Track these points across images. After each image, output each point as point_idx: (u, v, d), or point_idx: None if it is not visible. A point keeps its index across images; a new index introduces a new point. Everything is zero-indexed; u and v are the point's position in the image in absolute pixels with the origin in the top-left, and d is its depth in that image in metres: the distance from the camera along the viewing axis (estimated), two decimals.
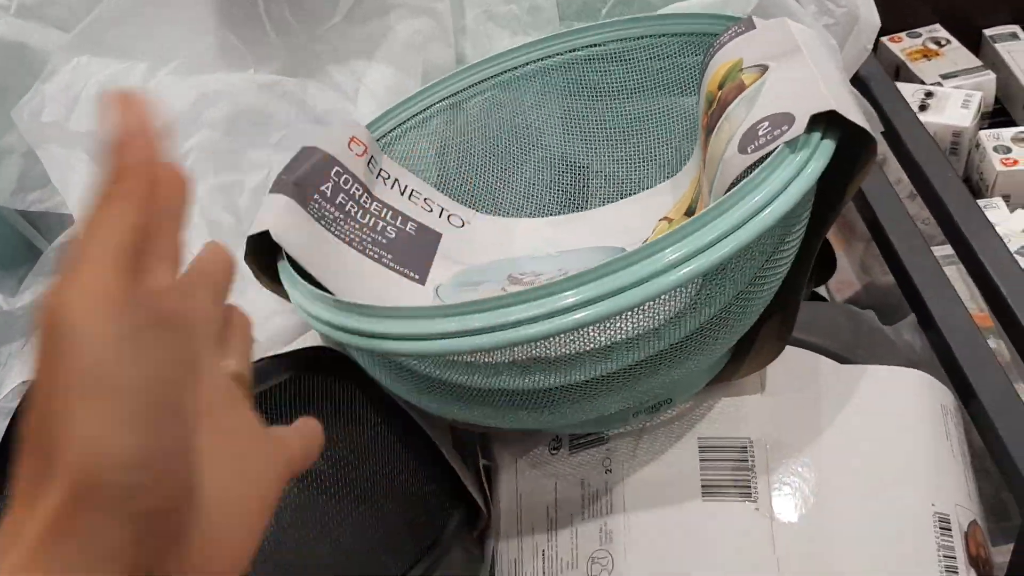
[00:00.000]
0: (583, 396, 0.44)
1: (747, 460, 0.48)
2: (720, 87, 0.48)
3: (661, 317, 0.41)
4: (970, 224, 0.61)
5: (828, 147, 0.41)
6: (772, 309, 0.47)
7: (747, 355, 0.49)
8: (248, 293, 0.50)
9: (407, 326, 0.38)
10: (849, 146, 0.42)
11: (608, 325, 0.40)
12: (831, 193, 0.45)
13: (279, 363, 0.49)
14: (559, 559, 0.50)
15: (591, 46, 0.60)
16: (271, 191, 0.48)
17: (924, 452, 0.49)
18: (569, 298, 0.36)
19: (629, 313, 0.39)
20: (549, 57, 0.60)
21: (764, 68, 0.45)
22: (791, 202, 0.38)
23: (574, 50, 0.60)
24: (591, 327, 0.39)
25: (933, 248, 0.62)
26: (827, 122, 0.41)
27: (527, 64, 0.60)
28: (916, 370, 0.51)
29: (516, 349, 0.40)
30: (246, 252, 0.47)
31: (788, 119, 0.41)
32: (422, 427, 0.53)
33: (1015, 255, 0.88)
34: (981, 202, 0.97)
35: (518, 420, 0.46)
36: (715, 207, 0.37)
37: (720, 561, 0.46)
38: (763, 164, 0.39)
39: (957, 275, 0.67)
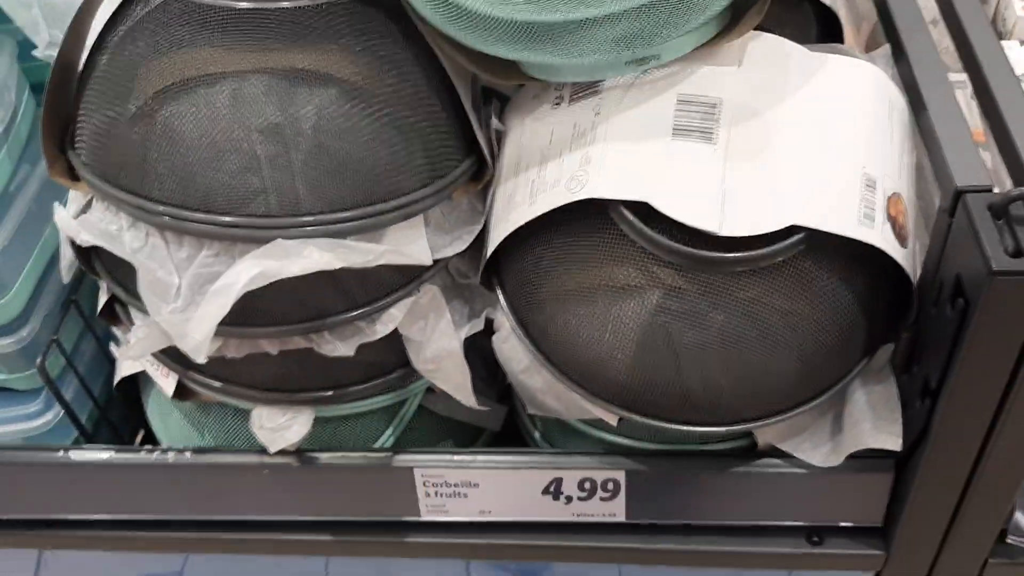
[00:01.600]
0: (578, 31, 0.52)
1: (714, 114, 0.57)
2: None
3: None
4: (984, 48, 0.65)
5: None
6: None
7: (730, 28, 0.57)
8: None
9: None
10: None
11: None
12: None
13: None
14: (545, 181, 0.59)
15: None
16: None
17: (865, 127, 0.57)
18: None
19: None
20: None
21: None
22: None
23: None
24: None
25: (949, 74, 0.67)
26: None
27: None
28: (874, 66, 0.59)
29: None
30: None
31: None
32: (452, 82, 0.62)
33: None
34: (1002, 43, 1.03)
35: (532, 51, 0.54)
36: None
37: (675, 183, 0.55)
38: None
39: (963, 100, 0.73)
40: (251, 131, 0.57)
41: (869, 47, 0.85)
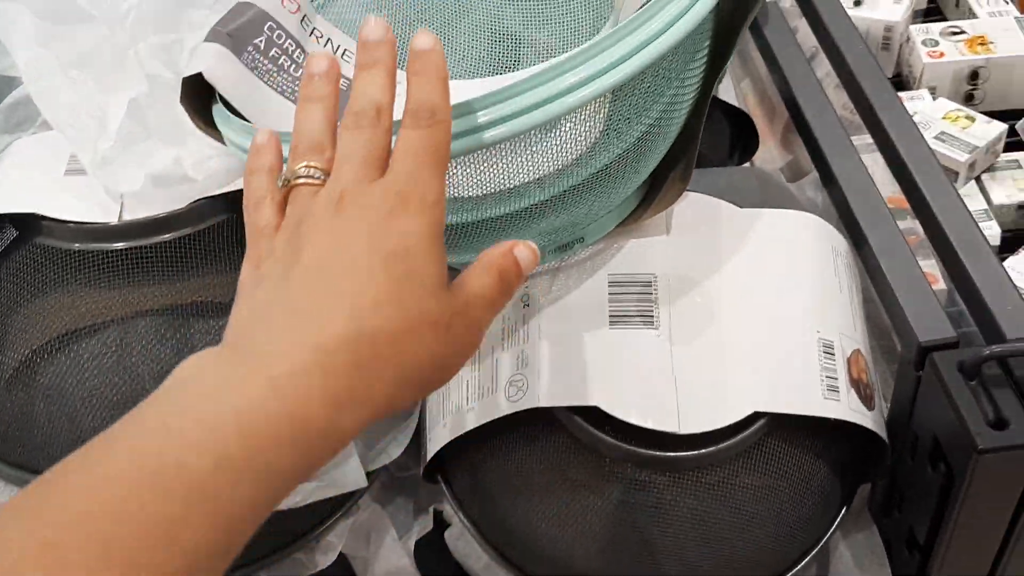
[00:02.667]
0: (498, 232, 0.47)
1: (651, 293, 0.52)
2: None
3: (573, 152, 0.44)
4: (887, 110, 0.64)
5: None
6: (675, 153, 0.50)
7: (653, 198, 0.52)
8: (188, 144, 0.53)
9: None
10: None
11: (518, 156, 0.43)
12: (727, 34, 0.49)
13: (216, 204, 0.52)
14: (481, 385, 0.54)
15: None
16: (205, 40, 0.51)
17: (812, 286, 0.53)
18: (482, 117, 0.40)
19: (540, 144, 0.43)
20: None
21: None
22: (687, 27, 0.41)
23: None
24: (507, 158, 0.42)
25: (854, 137, 0.65)
26: None
27: None
28: (810, 214, 0.55)
29: None
30: (181, 94, 0.49)
31: None
32: None
33: (934, 139, 0.92)
34: (908, 94, 1.01)
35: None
36: (615, 32, 0.41)
37: (623, 380, 0.50)
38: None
39: (873, 163, 0.70)
40: (145, 380, 0.51)
41: (785, 139, 0.82)
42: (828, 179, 0.60)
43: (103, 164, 0.51)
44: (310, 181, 0.38)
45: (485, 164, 0.43)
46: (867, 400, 0.52)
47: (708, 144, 0.77)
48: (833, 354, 0.51)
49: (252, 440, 0.30)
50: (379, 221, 0.36)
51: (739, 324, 0.51)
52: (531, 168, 0.44)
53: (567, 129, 0.43)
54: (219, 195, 0.52)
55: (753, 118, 0.77)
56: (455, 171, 0.44)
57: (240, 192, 0.52)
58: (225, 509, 0.29)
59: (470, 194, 0.46)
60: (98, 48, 0.56)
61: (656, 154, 0.49)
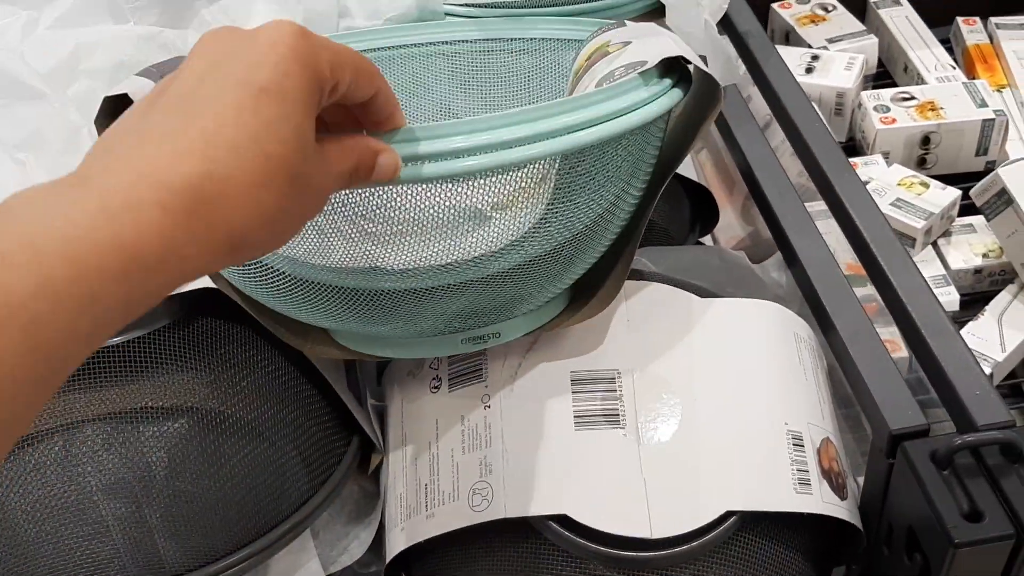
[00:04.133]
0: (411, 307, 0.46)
1: (615, 390, 0.51)
2: (587, 59, 0.51)
3: (511, 231, 0.43)
4: (840, 178, 0.64)
5: (678, 92, 0.44)
6: (610, 256, 0.50)
7: (582, 303, 0.52)
8: None
9: None
10: (703, 95, 0.45)
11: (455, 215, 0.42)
12: (683, 137, 0.48)
13: (168, 305, 0.50)
14: (440, 491, 0.52)
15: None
16: (136, 74, 0.49)
17: (778, 376, 0.52)
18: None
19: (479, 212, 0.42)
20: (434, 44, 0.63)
21: (628, 43, 0.48)
22: (628, 124, 0.41)
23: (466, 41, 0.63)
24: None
25: (808, 204, 0.65)
26: (680, 74, 0.44)
27: (415, 46, 0.63)
28: (771, 302, 0.55)
29: None
30: (98, 115, 0.47)
31: (642, 64, 0.44)
32: (317, 368, 0.55)
33: (890, 206, 0.93)
34: (862, 159, 1.02)
35: (355, 323, 0.49)
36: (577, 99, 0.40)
37: (591, 485, 0.49)
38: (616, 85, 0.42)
39: (828, 229, 0.71)
40: (92, 492, 0.48)
41: (744, 210, 0.82)
42: (791, 260, 0.60)
43: None
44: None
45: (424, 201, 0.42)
46: (839, 490, 0.51)
47: (668, 217, 0.76)
48: (803, 446, 0.50)
49: (77, 267, 0.28)
50: (264, 52, 0.33)
51: (706, 420, 0.50)
52: (467, 238, 0.43)
53: (511, 195, 0.42)
54: (180, 294, 0.50)
55: (711, 188, 0.77)
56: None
57: (192, 292, 0.51)
58: (42, 334, 0.27)
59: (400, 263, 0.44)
60: (47, 127, 0.54)
61: (592, 252, 0.48)
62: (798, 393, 0.52)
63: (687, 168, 0.76)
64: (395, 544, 0.54)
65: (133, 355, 0.50)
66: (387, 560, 0.55)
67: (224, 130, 0.31)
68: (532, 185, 0.42)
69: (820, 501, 0.50)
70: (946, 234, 0.94)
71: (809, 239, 0.60)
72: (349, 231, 0.44)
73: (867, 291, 0.67)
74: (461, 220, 0.42)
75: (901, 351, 0.73)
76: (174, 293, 0.50)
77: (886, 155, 1.01)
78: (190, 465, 0.50)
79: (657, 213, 0.77)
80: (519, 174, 0.40)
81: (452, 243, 0.44)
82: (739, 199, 0.83)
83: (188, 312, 0.51)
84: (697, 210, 0.78)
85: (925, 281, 0.57)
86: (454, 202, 0.41)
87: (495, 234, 0.44)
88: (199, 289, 0.51)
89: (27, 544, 0.49)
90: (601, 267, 0.51)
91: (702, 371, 0.52)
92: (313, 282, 0.47)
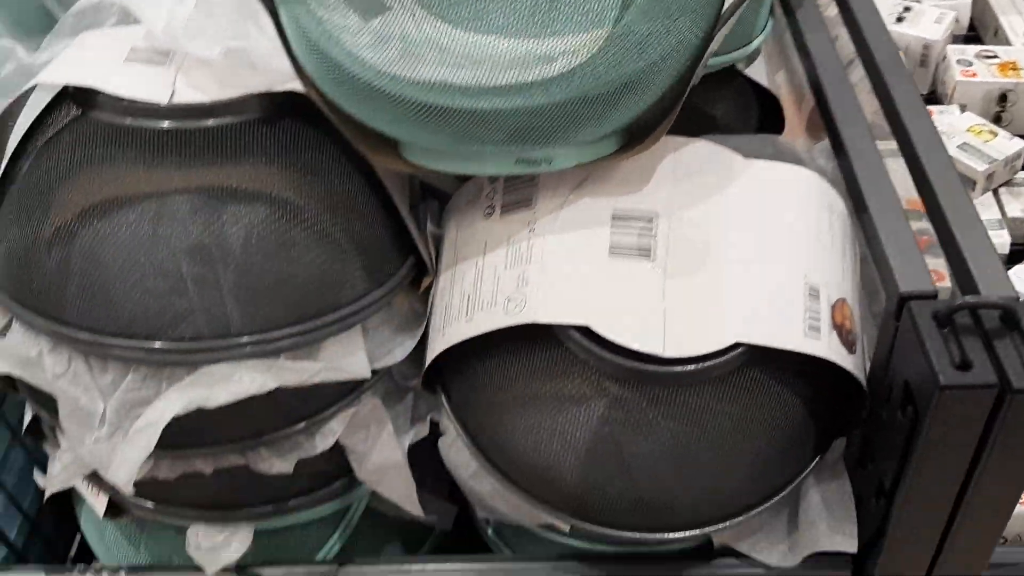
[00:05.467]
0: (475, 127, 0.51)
1: (651, 229, 0.56)
2: None
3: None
4: (912, 115, 0.65)
5: None
6: (663, 103, 0.53)
7: (631, 145, 0.55)
8: (254, 37, 0.56)
9: None
10: None
11: None
12: None
13: (258, 100, 0.56)
14: (481, 300, 0.57)
15: None
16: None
17: (804, 235, 0.56)
18: None
19: None
20: None
21: None
22: None
23: None
24: None
25: (878, 140, 0.67)
26: None
27: None
28: (811, 172, 0.58)
29: None
30: None
31: None
32: (385, 187, 0.60)
33: (957, 148, 0.95)
34: (939, 108, 1.04)
35: (424, 136, 0.53)
36: None
37: (615, 304, 0.54)
38: None
39: (896, 166, 0.73)
40: (176, 252, 0.55)
41: (811, 124, 0.85)
42: (838, 148, 0.63)
43: (179, 32, 0.54)
44: None
45: None
46: (848, 345, 0.55)
47: (735, 119, 0.80)
48: (818, 298, 0.54)
49: None
50: None
51: (729, 263, 0.55)
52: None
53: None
54: (271, 92, 0.56)
55: (783, 104, 0.80)
56: None
57: (281, 93, 0.57)
58: None
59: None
60: None
61: (650, 89, 0.52)
62: (820, 253, 0.56)
63: (759, 73, 0.80)
64: (436, 346, 0.60)
65: (223, 140, 0.56)
66: (427, 363, 0.61)
67: None
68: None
69: (827, 347, 0.54)
70: (1008, 183, 0.96)
71: (858, 132, 0.63)
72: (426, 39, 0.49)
73: (922, 225, 0.70)
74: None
75: (945, 282, 0.75)
76: (263, 91, 0.56)
77: (963, 107, 1.03)
78: (263, 244, 0.56)
79: (724, 114, 0.81)
80: None
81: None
82: (805, 116, 0.86)
83: (275, 110, 0.57)
84: (764, 119, 0.82)
85: (978, 216, 0.59)
86: None
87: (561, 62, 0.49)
88: (288, 91, 0.57)
89: (114, 293, 0.55)
90: (653, 111, 0.55)
91: (734, 221, 0.56)
92: (390, 92, 0.52)
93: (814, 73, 0.70)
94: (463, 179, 0.68)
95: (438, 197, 0.68)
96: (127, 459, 0.53)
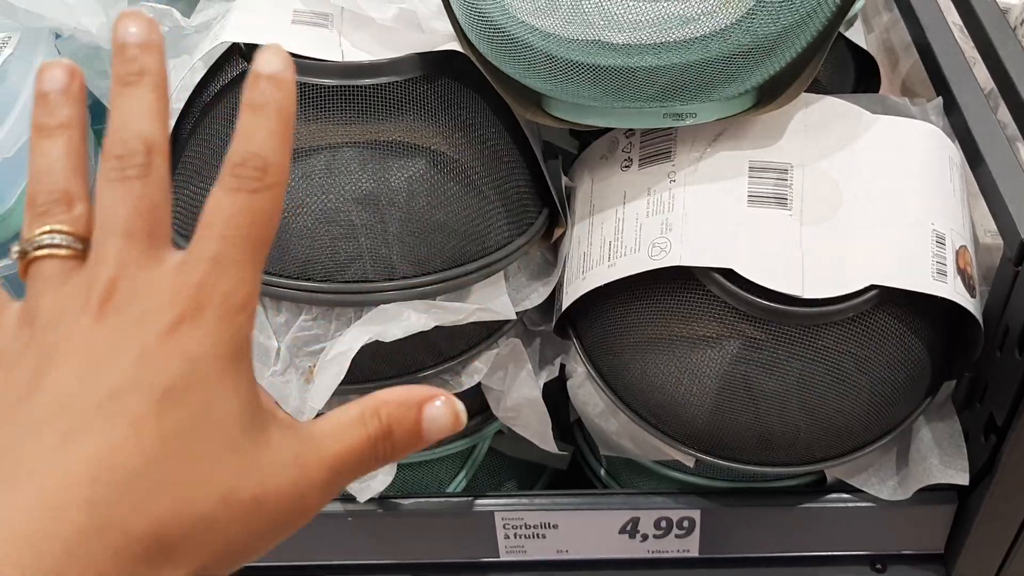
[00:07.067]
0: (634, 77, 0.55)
1: (787, 180, 0.60)
2: None
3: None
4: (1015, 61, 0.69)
5: None
6: (803, 58, 0.57)
7: (770, 99, 0.59)
8: None
9: None
10: None
11: None
12: None
13: (419, 59, 0.61)
14: (623, 245, 0.61)
15: None
16: None
17: (929, 186, 0.60)
18: None
19: None
20: None
21: None
22: None
23: None
24: None
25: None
26: None
27: None
28: (933, 126, 0.62)
29: None
30: None
31: None
32: (529, 141, 0.64)
33: None
34: None
35: (573, 91, 0.57)
36: None
37: (756, 249, 0.58)
38: None
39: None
40: (347, 200, 0.59)
41: (905, 86, 0.88)
42: (950, 105, 0.67)
43: None
44: (55, 252, 0.28)
45: None
46: (970, 289, 0.59)
47: (832, 80, 0.83)
48: (944, 244, 0.59)
49: None
50: (157, 337, 0.26)
51: (862, 211, 0.59)
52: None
53: None
54: (432, 51, 0.60)
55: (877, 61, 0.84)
56: None
57: (441, 52, 0.61)
58: None
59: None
60: None
61: (791, 49, 0.56)
62: (945, 203, 0.60)
63: (856, 35, 0.83)
64: (574, 291, 0.64)
65: (387, 97, 0.60)
66: (562, 308, 0.65)
67: (120, 453, 0.25)
68: None
69: (953, 290, 0.58)
70: None
71: (968, 87, 0.67)
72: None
73: None
74: None
75: None
76: (426, 51, 0.60)
77: None
78: (423, 193, 0.60)
79: (825, 75, 0.84)
80: None
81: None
82: (899, 79, 0.90)
83: (434, 68, 0.61)
84: (859, 79, 0.85)
85: None
86: None
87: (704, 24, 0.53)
88: (447, 50, 0.61)
89: (289, 236, 0.60)
90: (790, 69, 0.59)
91: (864, 172, 0.60)
92: (542, 50, 0.56)
93: (921, 34, 0.73)
94: (581, 137, 0.73)
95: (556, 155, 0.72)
96: (322, 386, 0.58)
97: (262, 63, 0.30)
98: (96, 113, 0.76)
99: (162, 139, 0.29)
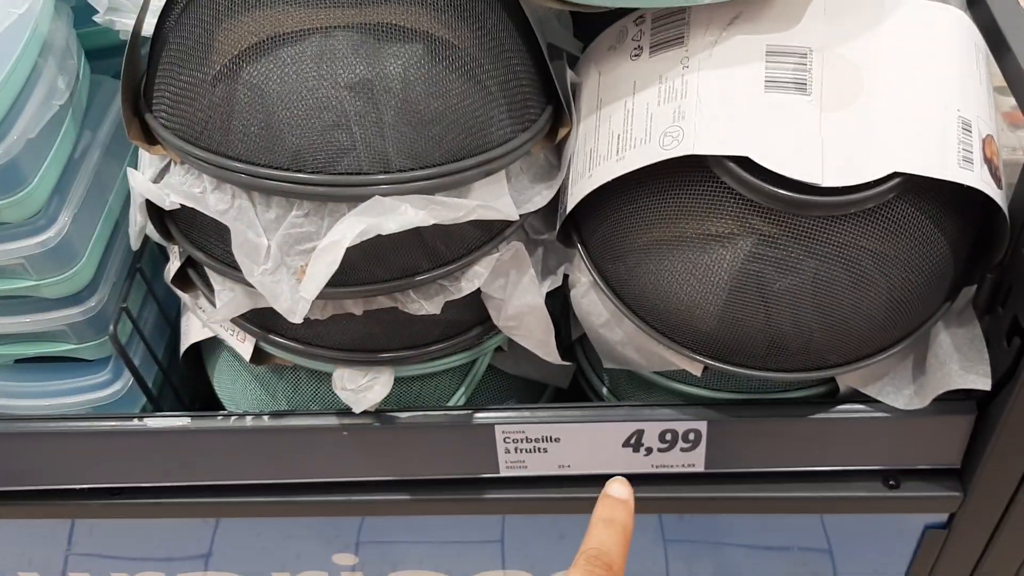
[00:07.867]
0: None
1: (806, 64, 0.56)
2: None
3: None
4: None
5: None
6: None
7: None
8: None
9: None
10: None
11: None
12: None
13: None
14: (633, 137, 0.58)
15: None
16: None
17: (956, 71, 0.57)
18: None
19: None
20: None
21: None
22: None
23: None
24: None
25: None
26: None
27: None
28: (962, 13, 0.59)
29: None
30: None
31: None
32: (535, 34, 0.61)
33: None
34: None
35: None
36: None
37: (774, 136, 0.55)
38: None
39: None
40: (340, 88, 0.56)
41: None
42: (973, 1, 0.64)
43: None
44: None
45: None
46: (996, 180, 0.56)
47: None
48: (970, 131, 0.55)
49: None
50: None
51: (885, 95, 0.56)
52: None
53: None
54: None
55: None
56: None
57: None
58: None
59: None
60: None
61: None
62: (971, 88, 0.57)
63: None
64: (579, 190, 0.61)
65: None
66: (567, 209, 0.62)
67: None
68: None
69: (979, 179, 0.55)
70: None
71: None
72: None
73: None
74: None
75: None
76: None
77: None
78: (420, 81, 0.57)
79: None
80: None
81: None
82: None
83: None
84: None
85: None
86: None
87: None
88: None
89: (279, 126, 0.56)
90: None
91: (887, 56, 0.57)
92: None
93: None
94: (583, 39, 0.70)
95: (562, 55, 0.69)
96: (315, 274, 0.54)
97: (613, 489, 0.52)
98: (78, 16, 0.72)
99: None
